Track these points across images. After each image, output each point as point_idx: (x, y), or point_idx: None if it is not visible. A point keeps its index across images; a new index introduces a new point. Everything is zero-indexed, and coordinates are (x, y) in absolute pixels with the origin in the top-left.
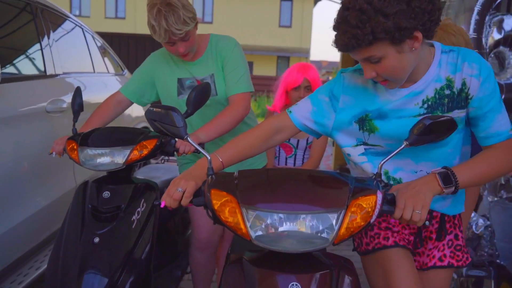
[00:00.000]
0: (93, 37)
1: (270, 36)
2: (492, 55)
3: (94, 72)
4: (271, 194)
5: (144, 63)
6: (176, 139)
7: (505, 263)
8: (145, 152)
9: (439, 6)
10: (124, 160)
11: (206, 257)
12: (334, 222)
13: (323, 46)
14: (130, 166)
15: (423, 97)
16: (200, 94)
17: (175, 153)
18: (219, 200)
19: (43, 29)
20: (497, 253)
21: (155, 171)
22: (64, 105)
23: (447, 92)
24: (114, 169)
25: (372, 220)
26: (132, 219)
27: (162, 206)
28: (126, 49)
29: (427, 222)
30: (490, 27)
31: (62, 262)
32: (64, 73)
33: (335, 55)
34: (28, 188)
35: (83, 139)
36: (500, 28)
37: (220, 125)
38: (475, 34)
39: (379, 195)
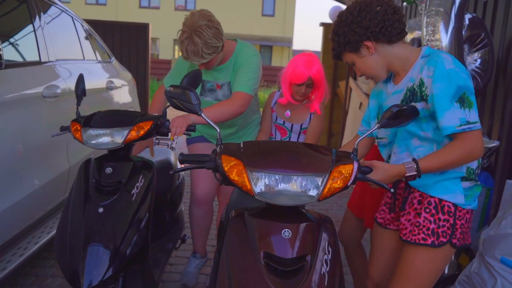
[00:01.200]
0: (81, 24)
1: (253, 25)
2: None
3: (84, 59)
4: (271, 160)
5: (178, 62)
6: (169, 121)
7: None
8: (141, 132)
9: (383, 18)
10: (123, 140)
11: (202, 213)
12: (319, 183)
13: (306, 36)
14: (128, 145)
15: (403, 95)
16: (191, 80)
17: (169, 134)
18: (228, 163)
19: (36, 17)
20: None
21: (149, 153)
22: (58, 91)
23: (413, 88)
24: (114, 147)
25: (349, 184)
26: (132, 193)
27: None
28: (111, 37)
29: (391, 190)
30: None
31: (70, 230)
32: (57, 60)
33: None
34: (25, 169)
35: (86, 121)
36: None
37: (214, 112)
38: (457, 24)
39: (355, 165)
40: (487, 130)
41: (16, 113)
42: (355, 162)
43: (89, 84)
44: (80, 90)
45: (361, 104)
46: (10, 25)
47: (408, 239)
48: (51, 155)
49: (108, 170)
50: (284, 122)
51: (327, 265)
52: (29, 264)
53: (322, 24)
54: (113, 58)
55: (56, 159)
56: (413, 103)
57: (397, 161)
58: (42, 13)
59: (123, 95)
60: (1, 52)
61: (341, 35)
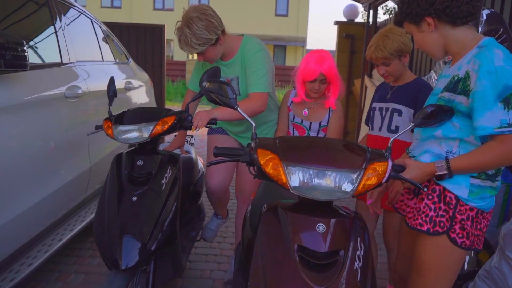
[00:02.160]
0: (100, 26)
1: (267, 25)
2: None
3: (103, 60)
4: (306, 154)
5: (196, 61)
6: (192, 116)
7: (486, 235)
8: (166, 126)
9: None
10: (149, 134)
11: (218, 198)
12: (354, 179)
13: (320, 35)
14: (154, 139)
15: (448, 80)
16: (210, 76)
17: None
18: (264, 157)
19: (57, 19)
20: None
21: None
22: (79, 91)
23: (458, 77)
24: (142, 141)
25: (383, 181)
26: (161, 183)
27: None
28: (127, 39)
29: (425, 189)
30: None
31: (107, 217)
32: (77, 61)
33: (331, 44)
34: (49, 168)
35: (117, 119)
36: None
37: (231, 112)
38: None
39: (390, 163)
40: None
41: (40, 113)
42: (389, 160)
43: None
44: (112, 91)
45: None
46: (33, 27)
47: (409, 223)
48: (73, 155)
49: (140, 162)
50: (302, 120)
51: (359, 261)
52: (53, 261)
53: (337, 23)
54: (130, 59)
55: (78, 158)
56: (452, 94)
57: (416, 146)
58: (62, 15)
59: (141, 95)
60: (27, 54)
61: (405, 3)
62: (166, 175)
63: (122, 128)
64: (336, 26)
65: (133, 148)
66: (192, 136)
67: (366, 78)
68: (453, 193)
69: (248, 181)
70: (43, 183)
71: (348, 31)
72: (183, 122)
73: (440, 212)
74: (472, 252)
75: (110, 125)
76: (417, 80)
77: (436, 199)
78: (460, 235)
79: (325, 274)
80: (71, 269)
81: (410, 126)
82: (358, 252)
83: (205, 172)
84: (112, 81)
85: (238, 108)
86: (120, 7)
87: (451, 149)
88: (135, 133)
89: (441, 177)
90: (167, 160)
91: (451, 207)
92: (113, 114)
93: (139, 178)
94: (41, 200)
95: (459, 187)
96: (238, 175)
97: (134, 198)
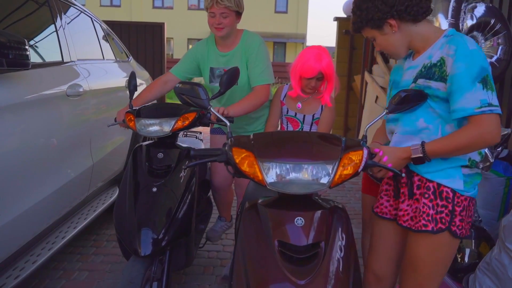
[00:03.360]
0: (100, 25)
1: (266, 22)
2: None
3: (104, 59)
4: (281, 150)
5: (191, 50)
6: (211, 113)
7: (486, 228)
8: (186, 122)
9: None
10: (170, 128)
11: (222, 196)
12: (330, 171)
13: (320, 31)
14: (174, 134)
15: (417, 71)
16: (231, 76)
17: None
18: (240, 155)
19: (57, 18)
20: (479, 219)
21: (182, 143)
22: (81, 90)
23: (430, 65)
24: (163, 135)
25: (359, 170)
26: (180, 176)
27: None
28: (127, 37)
29: (403, 174)
30: (465, 13)
31: (128, 206)
32: (78, 60)
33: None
34: (52, 166)
35: (139, 112)
36: (472, 14)
37: (245, 105)
38: (453, 19)
39: (365, 151)
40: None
41: (42, 112)
42: (364, 148)
43: (109, 83)
44: (132, 85)
45: (377, 97)
46: (33, 26)
47: (409, 226)
48: (76, 153)
49: (160, 155)
50: (296, 114)
51: (341, 251)
52: (57, 259)
53: (337, 19)
54: (131, 57)
55: (80, 156)
56: (427, 81)
57: (398, 141)
58: (63, 14)
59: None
60: (29, 52)
61: (364, 10)
62: (184, 168)
63: (145, 121)
64: (335, 23)
65: (151, 141)
66: (200, 133)
67: (366, 74)
68: (448, 187)
69: None
70: (45, 181)
71: (348, 27)
72: (202, 118)
73: (439, 209)
74: (473, 245)
75: (132, 118)
76: None
77: (432, 197)
78: (460, 227)
79: (307, 267)
80: (75, 267)
81: (384, 112)
82: (339, 243)
83: (210, 171)
84: (133, 75)
85: (212, 109)
86: (119, 6)
87: (436, 137)
88: (157, 127)
89: (418, 160)
90: (186, 154)
91: (449, 201)
92: (133, 108)
93: (158, 171)
94: (44, 198)
95: (453, 180)
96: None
97: (154, 189)
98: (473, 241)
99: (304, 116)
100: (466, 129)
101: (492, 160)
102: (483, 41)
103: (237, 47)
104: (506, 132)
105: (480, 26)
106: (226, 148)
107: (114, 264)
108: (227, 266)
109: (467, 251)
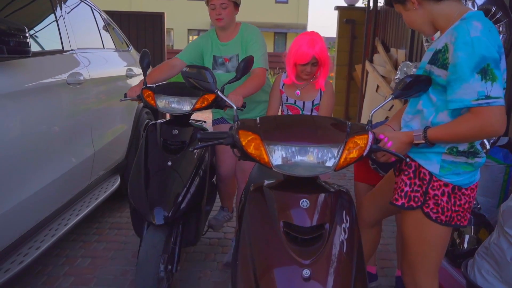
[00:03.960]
0: (100, 15)
1: (267, 12)
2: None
3: (104, 48)
4: (287, 133)
5: (195, 40)
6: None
7: (486, 215)
8: (205, 103)
9: None
10: (191, 107)
11: (227, 185)
12: (335, 154)
13: (321, 21)
14: (190, 113)
15: (431, 54)
16: (246, 64)
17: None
18: (246, 138)
19: (57, 7)
20: (479, 206)
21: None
22: (81, 78)
23: (436, 51)
24: (183, 113)
25: (364, 154)
26: (194, 151)
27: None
28: (127, 27)
29: (407, 159)
30: (466, 1)
31: (144, 179)
32: (78, 49)
33: (332, 31)
34: (53, 154)
35: (158, 89)
36: (474, 2)
37: (250, 87)
38: None
39: (371, 135)
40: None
41: (43, 100)
42: (370, 133)
43: (109, 72)
44: (146, 63)
45: (378, 87)
46: (34, 15)
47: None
48: (77, 141)
49: (175, 131)
50: (295, 101)
51: (345, 233)
52: (60, 246)
53: (337, 8)
54: (131, 47)
55: (82, 144)
56: (432, 66)
57: (405, 121)
58: (62, 3)
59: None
60: (29, 40)
61: None
62: (191, 150)
63: (167, 99)
64: (336, 12)
65: (164, 119)
66: (205, 121)
67: (367, 63)
68: (426, 169)
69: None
70: (48, 169)
71: (349, 16)
72: (219, 101)
73: (415, 188)
74: (472, 231)
75: (151, 94)
76: None
77: (411, 175)
78: (435, 210)
79: (311, 247)
80: (78, 254)
81: (389, 98)
82: (343, 225)
83: (216, 160)
84: (146, 53)
85: (218, 92)
86: None
87: (425, 126)
88: (177, 105)
89: (421, 146)
90: (199, 131)
91: (425, 182)
92: (148, 85)
93: (172, 146)
94: (46, 185)
95: (430, 163)
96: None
97: (169, 163)
98: (472, 227)
99: (304, 103)
100: (468, 120)
101: (488, 147)
102: None
103: (236, 38)
104: None
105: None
106: (233, 131)
107: (117, 251)
108: (229, 253)
109: (467, 237)
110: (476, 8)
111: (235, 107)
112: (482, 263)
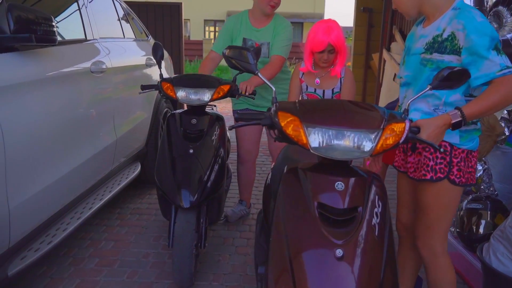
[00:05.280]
0: (120, 5)
1: (283, 1)
2: (492, 14)
3: (124, 37)
4: (326, 116)
5: (224, 26)
6: (239, 85)
7: (502, 200)
8: (221, 93)
9: None
10: (209, 98)
11: (246, 169)
12: (372, 139)
13: (337, 11)
14: (207, 104)
15: (427, 40)
16: (257, 54)
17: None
18: (285, 119)
19: None
20: (496, 192)
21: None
22: (104, 67)
23: (439, 39)
24: (201, 103)
25: (400, 141)
26: (212, 139)
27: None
28: (145, 17)
29: (441, 149)
30: None
31: (169, 166)
32: (100, 38)
33: (349, 20)
34: (78, 140)
35: (177, 81)
36: None
37: (271, 71)
38: None
39: (407, 123)
40: None
41: (68, 87)
42: (406, 121)
43: (130, 61)
44: (159, 56)
45: (395, 75)
46: (57, 5)
47: (414, 177)
48: (100, 128)
49: (194, 121)
50: (315, 89)
51: (377, 217)
52: (84, 230)
53: None
54: (150, 36)
55: (104, 132)
56: (440, 55)
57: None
58: None
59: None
60: (55, 28)
61: None
62: (215, 132)
63: (186, 90)
64: (353, 0)
65: (182, 110)
66: (215, 106)
67: (384, 52)
68: (446, 141)
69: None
70: (73, 155)
71: (366, 5)
72: (234, 90)
73: (438, 160)
74: (489, 216)
75: (170, 86)
76: None
77: (432, 150)
78: (458, 176)
79: (344, 229)
80: (101, 237)
81: (427, 88)
82: (376, 209)
83: (236, 142)
84: (159, 46)
85: (259, 74)
86: None
87: (437, 106)
88: (196, 96)
89: (457, 125)
90: (215, 119)
91: (447, 153)
92: (165, 77)
93: (192, 135)
94: (71, 170)
95: (451, 135)
96: (269, 138)
97: (191, 151)
98: (488, 212)
99: (324, 91)
100: (497, 90)
101: (507, 133)
102: (508, 16)
103: (269, 25)
104: None
105: (506, 1)
106: (272, 112)
107: (138, 235)
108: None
109: (483, 222)
110: None
111: (274, 89)
112: (498, 245)
